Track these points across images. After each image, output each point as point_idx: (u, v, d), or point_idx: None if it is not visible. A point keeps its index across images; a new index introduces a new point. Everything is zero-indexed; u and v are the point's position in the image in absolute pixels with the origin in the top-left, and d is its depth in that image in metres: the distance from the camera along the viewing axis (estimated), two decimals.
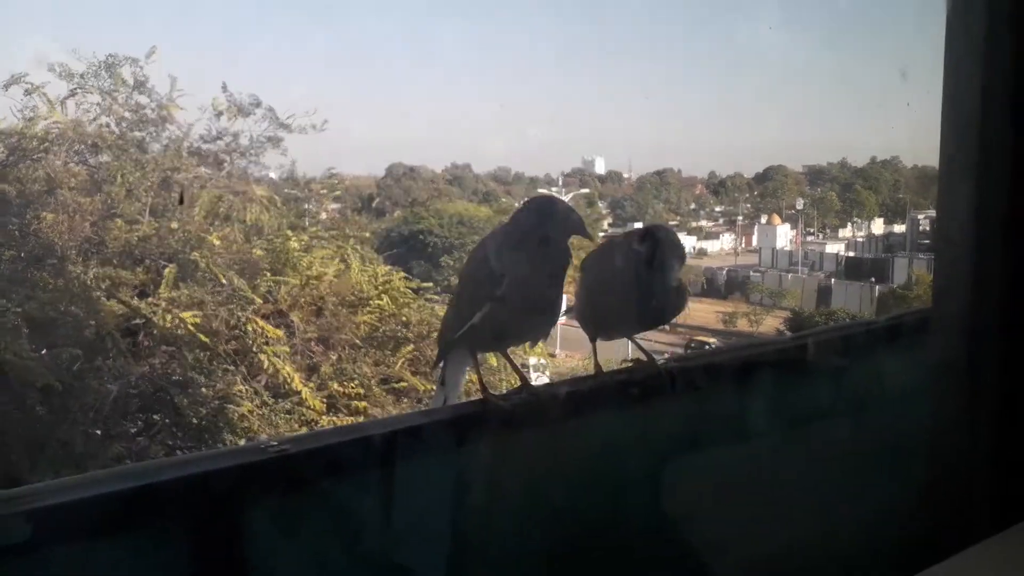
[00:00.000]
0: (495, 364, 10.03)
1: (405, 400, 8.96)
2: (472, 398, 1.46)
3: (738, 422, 1.50)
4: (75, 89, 9.33)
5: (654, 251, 1.50)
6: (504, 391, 1.45)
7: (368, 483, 1.21)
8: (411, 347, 8.94)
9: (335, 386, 8.09)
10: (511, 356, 1.67)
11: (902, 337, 1.66)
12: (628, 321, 1.57)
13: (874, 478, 1.58)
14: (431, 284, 11.11)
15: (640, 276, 1.51)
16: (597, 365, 1.54)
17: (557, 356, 25.26)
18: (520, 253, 1.41)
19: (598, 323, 1.61)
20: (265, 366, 7.25)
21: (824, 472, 1.54)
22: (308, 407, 7.35)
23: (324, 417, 7.58)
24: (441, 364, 1.61)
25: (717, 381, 1.51)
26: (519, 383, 1.52)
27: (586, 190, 67.56)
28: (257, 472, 1.09)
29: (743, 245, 66.41)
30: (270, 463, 1.11)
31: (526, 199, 1.57)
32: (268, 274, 8.72)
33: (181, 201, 8.30)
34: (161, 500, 1.01)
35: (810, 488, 1.53)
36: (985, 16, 1.45)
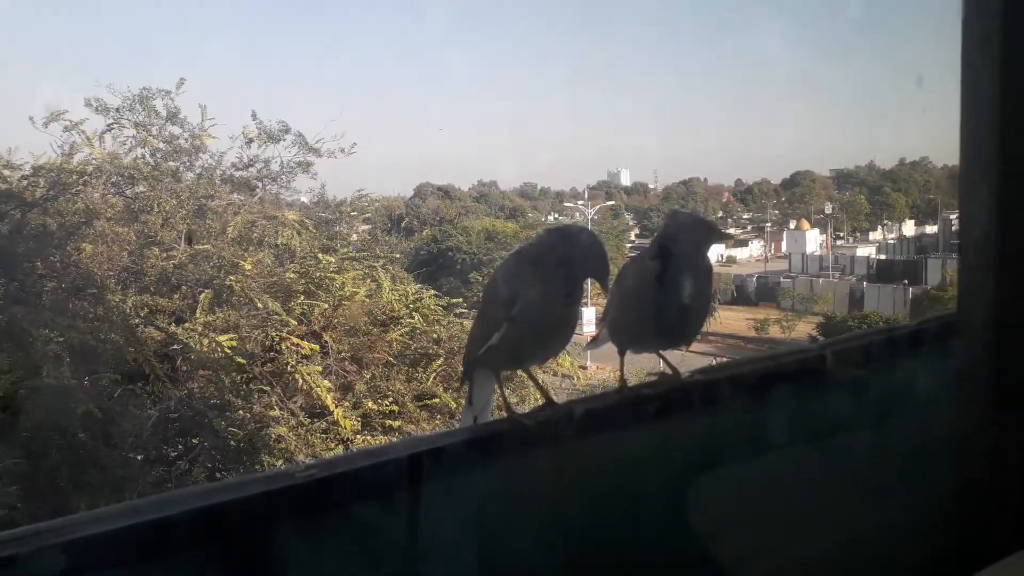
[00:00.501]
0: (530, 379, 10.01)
1: (439, 417, 8.98)
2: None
3: (761, 435, 1.48)
4: (112, 124, 9.58)
5: (673, 262, 1.51)
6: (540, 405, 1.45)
7: (395, 504, 1.21)
8: (441, 362, 8.97)
9: (369, 404, 8.13)
10: (534, 373, 1.67)
11: (927, 343, 1.63)
12: (661, 334, 1.57)
13: (899, 491, 1.55)
14: (460, 300, 11.16)
15: (668, 290, 1.51)
16: (623, 379, 1.54)
17: (588, 368, 25.21)
18: (534, 275, 1.41)
19: (631, 335, 1.60)
20: (300, 384, 7.32)
21: (849, 485, 1.51)
22: (342, 427, 7.39)
23: (359, 436, 7.62)
24: (468, 383, 1.62)
25: (740, 394, 1.50)
26: (544, 400, 1.52)
27: (612, 202, 67.62)
28: (287, 497, 1.10)
29: (772, 251, 65.79)
30: (299, 488, 1.12)
31: (551, 227, 1.58)
32: (301, 296, 8.83)
33: (189, 242, 8.42)
34: (192, 529, 1.03)
35: (835, 502, 1.50)
36: (1001, 17, 1.43)
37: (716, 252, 63.60)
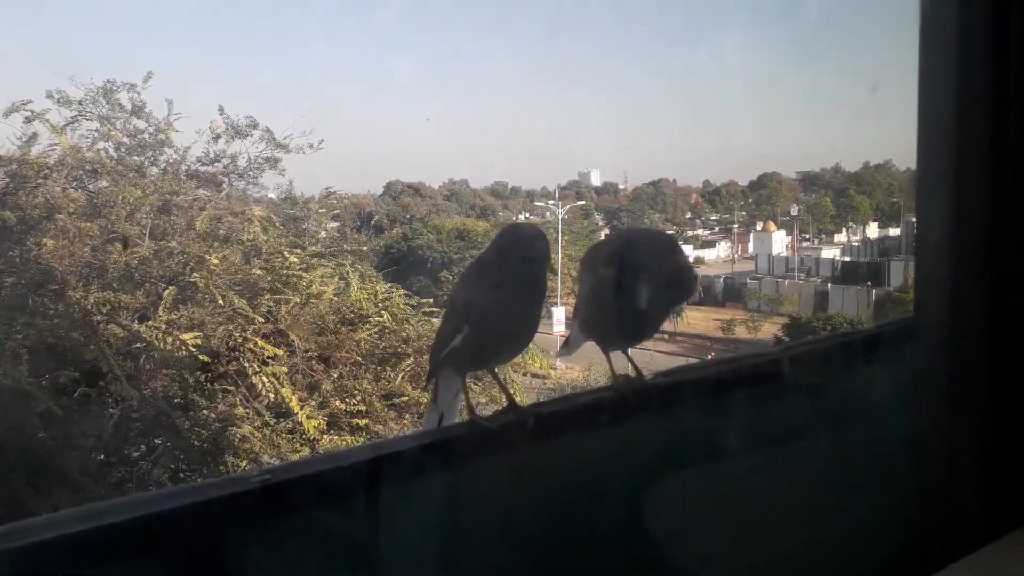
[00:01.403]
0: (516, 379, 10.08)
1: (407, 415, 8.94)
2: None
3: (722, 438, 1.49)
4: (76, 116, 9.37)
5: (630, 271, 1.50)
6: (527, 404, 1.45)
7: (354, 510, 1.19)
8: (411, 361, 8.93)
9: (337, 403, 8.07)
10: (499, 375, 1.66)
11: (884, 347, 1.65)
12: (634, 331, 1.56)
13: (857, 494, 1.57)
14: (430, 300, 11.13)
15: (630, 287, 1.51)
16: (615, 375, 1.54)
17: (558, 368, 25.31)
18: (489, 278, 1.41)
19: (606, 333, 1.59)
20: (260, 388, 7.23)
21: (809, 487, 1.53)
22: (308, 428, 7.32)
23: (325, 436, 7.55)
24: (433, 382, 1.62)
25: (701, 397, 1.50)
26: (508, 402, 1.51)
27: (582, 202, 67.95)
28: (240, 503, 1.08)
29: (739, 252, 66.67)
30: (254, 494, 1.09)
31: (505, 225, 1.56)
32: (268, 294, 8.72)
33: (124, 246, 8.23)
34: (141, 536, 1.00)
35: (795, 504, 1.52)
36: (957, 20, 1.45)
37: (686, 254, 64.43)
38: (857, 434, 1.59)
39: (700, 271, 55.39)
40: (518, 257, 1.41)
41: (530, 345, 12.28)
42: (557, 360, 27.16)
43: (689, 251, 67.39)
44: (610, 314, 1.54)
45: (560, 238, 38.64)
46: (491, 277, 1.42)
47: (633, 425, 1.45)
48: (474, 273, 1.51)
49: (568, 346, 1.78)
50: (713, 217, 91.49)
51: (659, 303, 1.51)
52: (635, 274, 1.48)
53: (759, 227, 75.70)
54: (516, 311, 1.43)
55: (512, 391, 10.82)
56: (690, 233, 77.95)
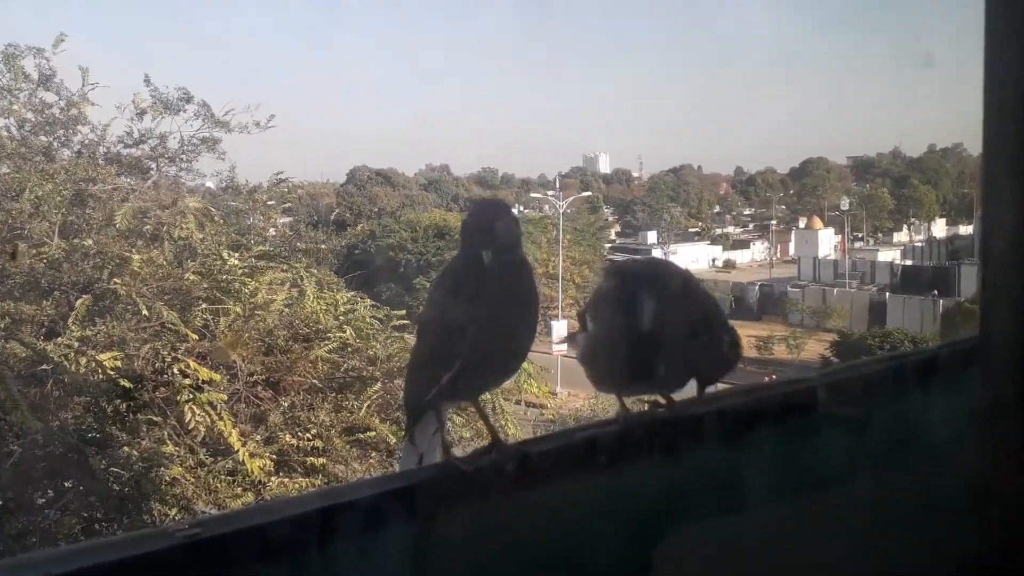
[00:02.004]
0: (506, 409, 10.10)
1: (373, 454, 8.94)
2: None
3: (749, 484, 1.50)
4: None
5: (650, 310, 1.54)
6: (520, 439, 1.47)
7: (302, 571, 1.20)
8: (378, 387, 8.93)
9: (287, 439, 8.06)
10: (484, 407, 1.68)
11: (944, 373, 1.66)
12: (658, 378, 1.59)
13: (912, 551, 1.58)
14: (403, 312, 11.14)
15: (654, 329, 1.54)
16: (624, 406, 1.56)
17: (559, 395, 25.39)
18: (464, 290, 1.43)
19: (617, 379, 1.62)
20: (193, 420, 7.22)
21: (850, 545, 1.54)
22: (252, 468, 7.31)
23: (273, 479, 7.54)
24: (410, 420, 1.64)
25: (726, 433, 1.52)
26: (491, 439, 1.52)
27: (588, 193, 68.19)
28: (161, 564, 1.08)
29: (778, 255, 66.92)
30: (179, 550, 1.10)
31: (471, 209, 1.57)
32: (204, 304, 8.72)
33: (13, 256, 8.17)
34: None
35: (834, 566, 1.53)
36: None
37: (710, 255, 64.44)
38: (912, 479, 1.60)
39: (731, 277, 55.46)
40: (482, 250, 1.42)
41: (524, 365, 12.31)
42: (557, 386, 27.24)
43: (717, 253, 67.68)
44: (624, 369, 1.58)
45: (561, 237, 38.64)
46: (464, 289, 1.43)
47: (641, 468, 1.46)
48: (445, 287, 1.52)
49: (571, 340, 1.82)
50: (747, 212, 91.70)
51: (690, 356, 1.54)
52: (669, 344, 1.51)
53: (802, 224, 75.85)
54: (504, 327, 1.45)
55: (503, 423, 10.85)
56: (718, 231, 78.08)
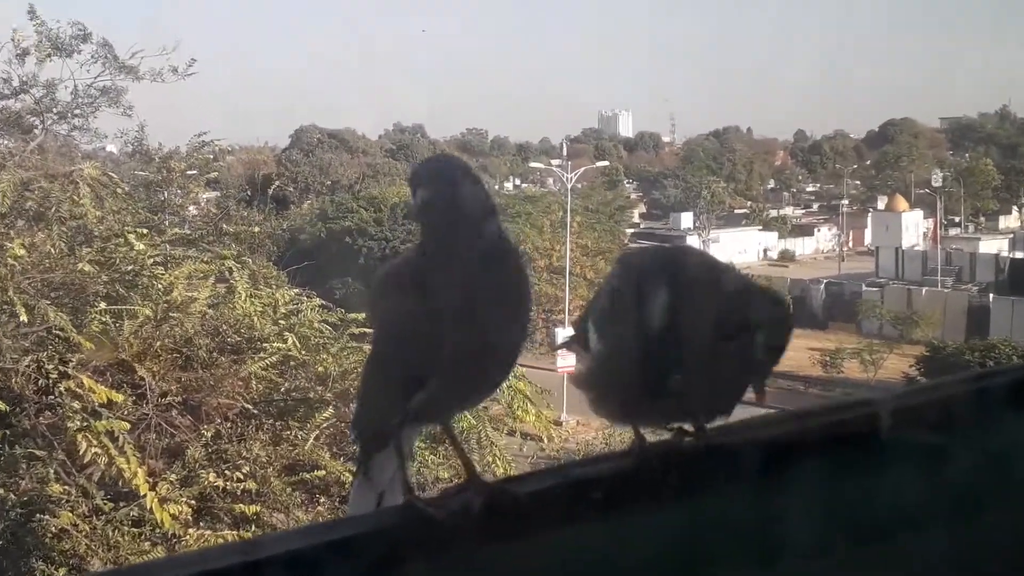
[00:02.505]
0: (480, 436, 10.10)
1: (323, 500, 8.95)
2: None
3: (797, 532, 1.52)
4: None
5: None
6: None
7: None
8: (330, 413, 8.95)
9: (210, 479, 8.07)
10: (455, 432, 1.69)
11: None
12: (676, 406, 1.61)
13: None
14: (363, 315, 11.11)
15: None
16: (640, 436, 1.58)
17: (564, 423, 25.43)
18: (451, 273, 1.44)
19: (635, 408, 1.64)
20: (87, 453, 7.23)
21: None
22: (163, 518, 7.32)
23: (191, 531, 7.55)
24: (363, 451, 1.65)
25: (769, 469, 1.53)
26: (467, 476, 1.54)
27: (604, 162, 68.37)
28: None
29: (850, 244, 67.05)
30: None
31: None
32: (103, 303, 8.71)
33: None
34: None
35: None
36: None
37: (761, 245, 64.37)
38: (994, 530, 1.61)
39: (788, 273, 55.38)
40: (431, 219, 1.43)
41: (521, 387, 12.29)
42: (563, 412, 27.24)
43: (771, 241, 67.65)
44: (631, 394, 1.60)
45: (569, 219, 38.40)
46: (427, 278, 1.44)
47: (658, 514, 1.47)
48: (400, 278, 1.54)
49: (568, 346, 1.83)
50: (810, 188, 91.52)
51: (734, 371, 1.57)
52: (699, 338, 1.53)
53: (881, 205, 75.78)
54: (484, 327, 1.46)
55: (491, 459, 10.83)
56: (773, 213, 77.77)
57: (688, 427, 1.61)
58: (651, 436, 1.61)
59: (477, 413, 10.26)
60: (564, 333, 30.98)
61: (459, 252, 1.43)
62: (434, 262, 1.43)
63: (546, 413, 14.11)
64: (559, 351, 29.78)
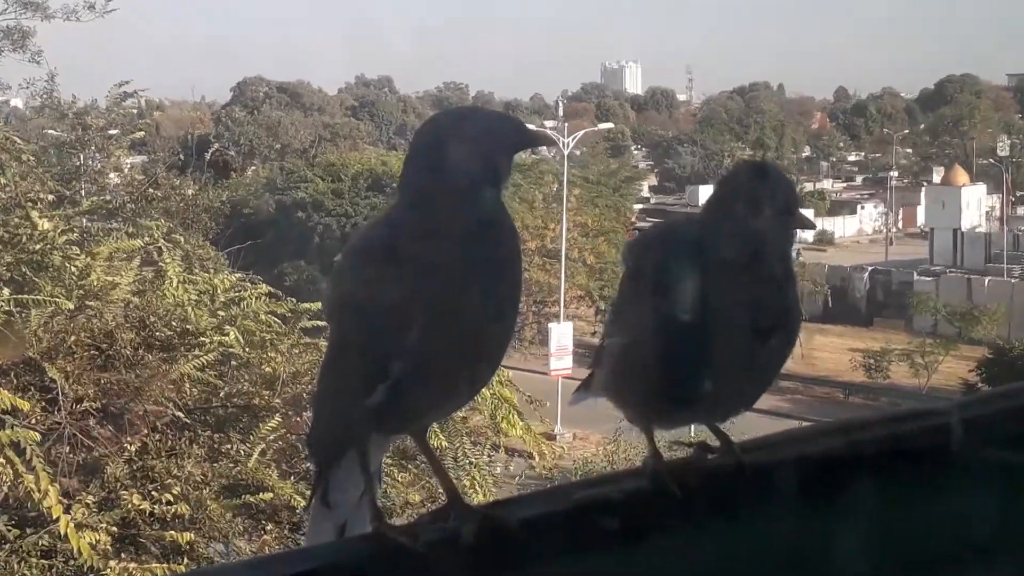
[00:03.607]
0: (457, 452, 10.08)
1: (270, 527, 8.95)
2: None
3: (841, 565, 1.53)
4: None
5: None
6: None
7: None
8: (278, 423, 8.94)
9: (135, 501, 8.07)
10: (430, 446, 1.69)
11: None
12: (707, 400, 1.63)
13: None
14: (319, 305, 11.08)
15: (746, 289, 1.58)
16: (655, 452, 1.59)
17: (558, 437, 25.45)
18: (429, 248, 1.44)
19: (661, 402, 1.66)
20: None
21: None
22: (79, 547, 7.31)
23: (113, 563, 7.55)
24: (322, 469, 1.64)
25: (808, 489, 1.54)
26: (448, 499, 1.54)
27: (608, 124, 68.57)
28: None
29: (900, 224, 67.21)
30: None
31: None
32: (5, 289, 8.67)
33: None
34: None
35: None
36: None
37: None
38: None
39: (824, 258, 55.26)
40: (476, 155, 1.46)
41: (507, 395, 12.30)
42: (557, 424, 27.30)
43: (808, 218, 67.36)
44: (652, 385, 1.61)
45: (566, 193, 38.20)
46: (402, 251, 1.44)
47: (675, 545, 1.48)
48: (370, 251, 1.55)
49: (587, 386, 1.83)
50: (852, 158, 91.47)
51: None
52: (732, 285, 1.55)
53: (937, 177, 75.74)
54: (468, 313, 1.46)
55: (470, 481, 10.81)
56: (808, 187, 77.50)
57: (710, 442, 1.62)
58: (666, 450, 1.62)
59: (454, 425, 10.25)
60: (559, 329, 30.99)
61: (448, 218, 1.44)
62: (417, 227, 1.44)
63: (537, 425, 14.11)
64: (553, 350, 29.97)
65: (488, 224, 1.47)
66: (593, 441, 24.95)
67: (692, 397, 1.60)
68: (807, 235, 62.41)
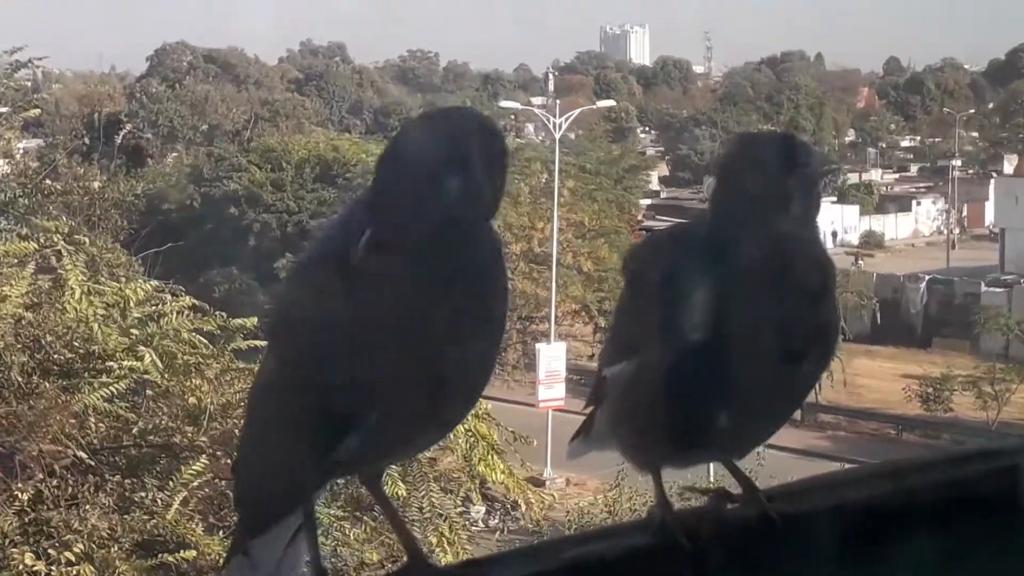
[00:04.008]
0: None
1: None
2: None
3: None
4: None
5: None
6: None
7: None
8: (205, 465, 8.94)
9: (26, 560, 8.07)
10: (385, 493, 1.69)
11: None
12: (724, 432, 1.64)
13: None
14: (254, 320, 11.07)
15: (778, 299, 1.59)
16: (664, 499, 1.60)
17: (548, 484, 25.45)
18: (387, 257, 1.44)
19: (672, 439, 1.67)
20: None
21: None
22: None
23: None
24: (248, 517, 1.65)
25: (838, 548, 1.55)
26: (408, 556, 1.55)
27: (608, 102, 68.75)
28: None
29: (964, 223, 67.41)
30: None
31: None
32: None
33: None
34: None
35: None
36: None
37: (835, 224, 64.37)
38: None
39: (872, 265, 55.23)
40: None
41: (484, 431, 12.36)
42: (547, 467, 27.35)
43: (850, 219, 67.71)
44: (661, 417, 1.61)
45: (557, 185, 38.04)
46: (362, 262, 1.43)
47: None
48: (323, 265, 1.54)
49: (587, 436, 1.83)
50: (906, 143, 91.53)
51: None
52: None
53: (1009, 167, 75.81)
54: (440, 340, 1.46)
55: (437, 538, 10.79)
56: (853, 178, 77.46)
57: (723, 480, 1.63)
58: (677, 499, 1.63)
59: (420, 469, 10.25)
60: (549, 351, 30.91)
61: (410, 218, 1.44)
62: (376, 231, 1.43)
63: (521, 469, 14.07)
64: (541, 376, 29.95)
65: (459, 225, 1.46)
66: (591, 487, 24.89)
67: (708, 433, 1.61)
68: (850, 237, 61.80)
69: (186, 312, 10.89)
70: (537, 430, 20.94)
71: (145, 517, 8.69)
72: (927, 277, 47.10)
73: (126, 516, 8.68)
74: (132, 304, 10.41)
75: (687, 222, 1.83)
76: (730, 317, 1.55)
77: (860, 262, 54.50)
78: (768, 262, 1.57)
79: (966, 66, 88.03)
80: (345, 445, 1.46)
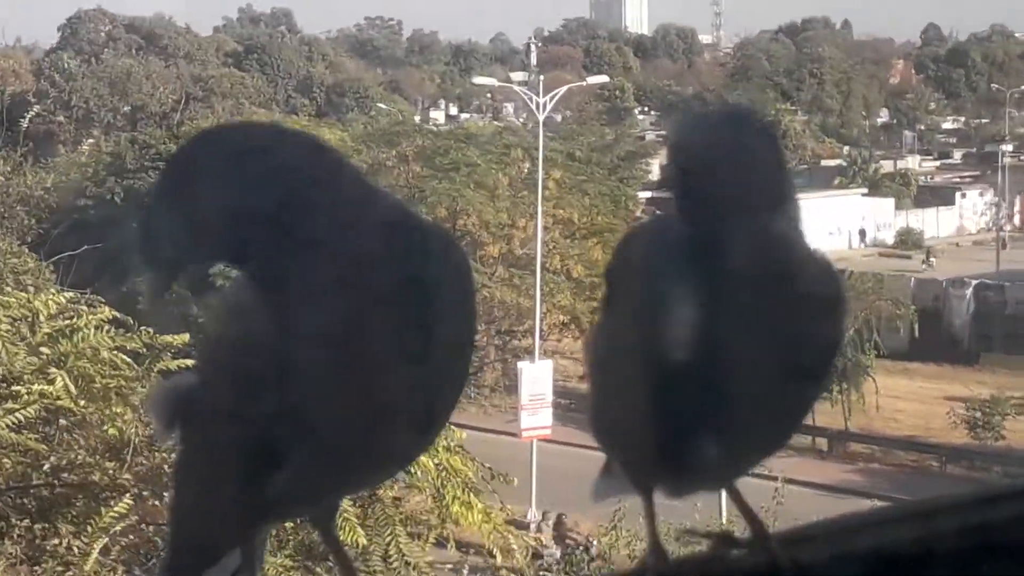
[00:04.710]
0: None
1: None
2: None
3: None
4: None
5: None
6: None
7: None
8: (128, 507, 8.94)
9: None
10: (337, 536, 1.71)
11: None
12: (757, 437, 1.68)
13: None
14: (185, 337, 11.08)
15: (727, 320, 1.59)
16: (658, 544, 1.62)
17: (531, 526, 25.42)
18: (328, 261, 1.46)
19: (657, 466, 1.71)
20: None
21: None
22: None
23: None
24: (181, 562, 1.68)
25: None
26: None
27: (600, 77, 68.75)
28: None
29: (1016, 219, 67.27)
30: None
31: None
32: None
33: None
34: None
35: None
36: None
37: (865, 219, 64.16)
38: None
39: (907, 267, 54.93)
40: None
41: (458, 465, 12.39)
42: (531, 508, 27.32)
43: (884, 213, 67.45)
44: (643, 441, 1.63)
45: (541, 175, 37.75)
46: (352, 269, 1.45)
47: None
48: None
49: (614, 476, 1.85)
50: (948, 124, 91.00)
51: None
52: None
53: None
54: (384, 356, 1.47)
55: None
56: (886, 166, 77.00)
57: (733, 521, 1.65)
58: (672, 545, 1.65)
59: (384, 511, 10.25)
60: (532, 370, 30.71)
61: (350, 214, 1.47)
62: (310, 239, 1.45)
63: (499, 512, 14.03)
64: (523, 401, 29.87)
65: (406, 222, 1.48)
66: (584, 529, 24.85)
67: (696, 461, 1.63)
68: (884, 233, 61.94)
69: (106, 327, 10.87)
70: (519, 464, 20.92)
71: (59, 568, 8.70)
72: (974, 282, 47.04)
73: (36, 567, 8.69)
74: (42, 318, 10.41)
75: (664, 216, 1.85)
76: (716, 328, 1.57)
77: (932, 260, 54.42)
78: (762, 267, 1.58)
79: (1017, 34, 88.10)
80: (272, 483, 1.48)
